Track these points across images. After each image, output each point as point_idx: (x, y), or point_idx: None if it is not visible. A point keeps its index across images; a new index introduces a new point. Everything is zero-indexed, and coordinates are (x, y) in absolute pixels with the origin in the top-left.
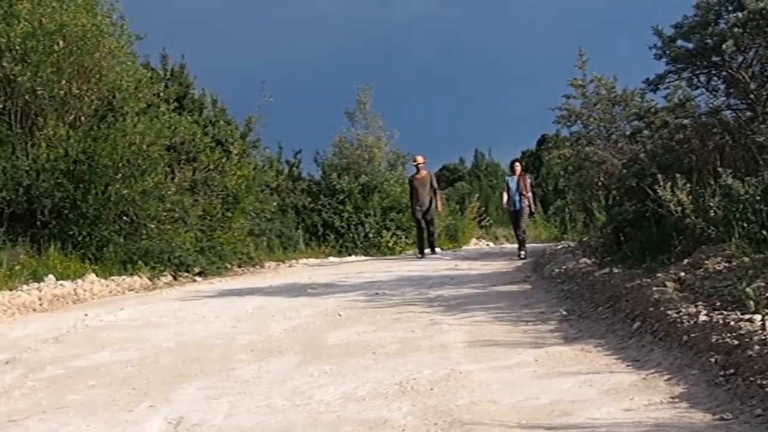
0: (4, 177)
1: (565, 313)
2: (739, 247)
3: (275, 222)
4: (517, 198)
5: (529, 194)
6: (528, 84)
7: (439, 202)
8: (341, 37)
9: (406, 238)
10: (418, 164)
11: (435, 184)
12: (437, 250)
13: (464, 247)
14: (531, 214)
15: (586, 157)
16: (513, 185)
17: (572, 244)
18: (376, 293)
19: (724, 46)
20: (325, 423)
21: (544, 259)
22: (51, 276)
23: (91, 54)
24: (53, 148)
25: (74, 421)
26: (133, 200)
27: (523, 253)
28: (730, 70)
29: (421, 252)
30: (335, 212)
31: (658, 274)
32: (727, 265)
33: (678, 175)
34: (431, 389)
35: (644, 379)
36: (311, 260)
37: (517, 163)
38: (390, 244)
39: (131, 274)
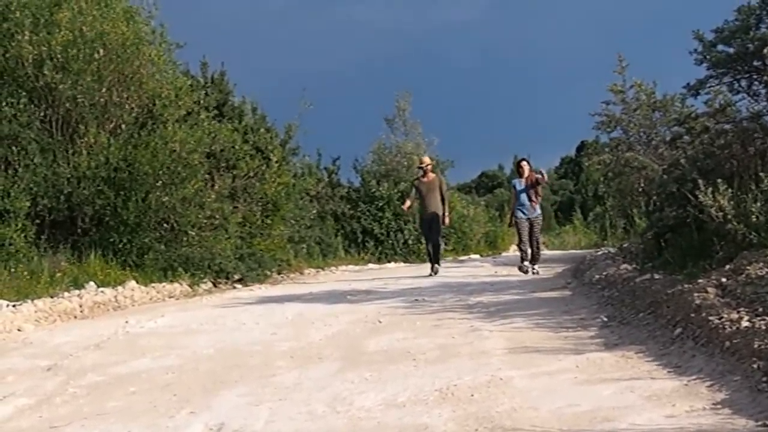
0: (45, 184)
1: (605, 319)
2: None
3: (315, 229)
4: (526, 203)
5: (539, 195)
6: (567, 90)
7: (447, 214)
8: (380, 44)
9: (446, 244)
10: (424, 166)
11: (444, 190)
12: (439, 268)
13: (503, 254)
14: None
15: (626, 163)
16: (521, 189)
17: (612, 250)
18: (416, 300)
19: (765, 51)
20: (365, 429)
21: (585, 265)
22: (92, 283)
23: (131, 62)
24: (94, 156)
25: (115, 427)
26: (173, 207)
27: (536, 267)
28: None
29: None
30: (374, 219)
31: (700, 280)
32: None
33: (719, 180)
34: (472, 395)
35: (686, 385)
36: (351, 267)
37: (525, 163)
38: None
39: (171, 281)
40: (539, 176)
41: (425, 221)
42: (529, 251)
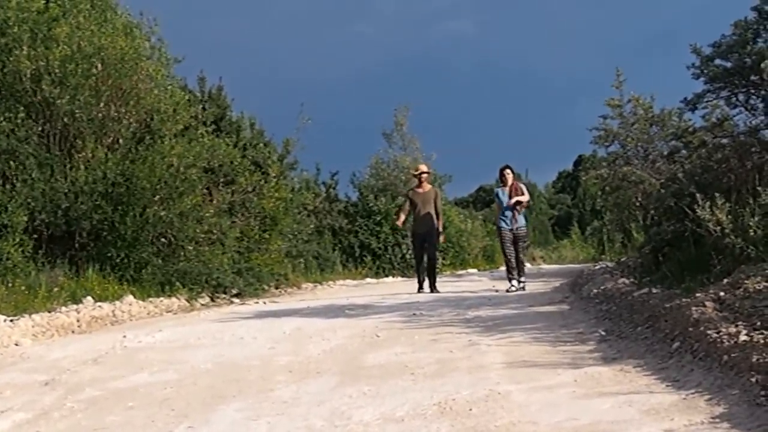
0: (43, 199)
1: (603, 333)
2: None
3: (312, 243)
4: (509, 214)
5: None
6: (565, 104)
7: (441, 231)
8: (378, 58)
9: (443, 259)
10: (420, 174)
11: (439, 205)
12: (437, 287)
13: (501, 268)
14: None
15: (623, 178)
16: (505, 199)
17: (610, 265)
18: (414, 314)
19: (762, 65)
20: None
21: (582, 279)
22: (89, 298)
23: (129, 77)
24: (92, 171)
25: None
26: (171, 222)
27: (522, 281)
28: None
29: (420, 285)
30: (372, 234)
31: (698, 294)
32: (767, 284)
33: (717, 194)
34: (470, 410)
35: (684, 399)
36: (348, 282)
37: (508, 171)
38: None
39: (169, 296)
40: (521, 200)
41: (419, 236)
42: (514, 263)
